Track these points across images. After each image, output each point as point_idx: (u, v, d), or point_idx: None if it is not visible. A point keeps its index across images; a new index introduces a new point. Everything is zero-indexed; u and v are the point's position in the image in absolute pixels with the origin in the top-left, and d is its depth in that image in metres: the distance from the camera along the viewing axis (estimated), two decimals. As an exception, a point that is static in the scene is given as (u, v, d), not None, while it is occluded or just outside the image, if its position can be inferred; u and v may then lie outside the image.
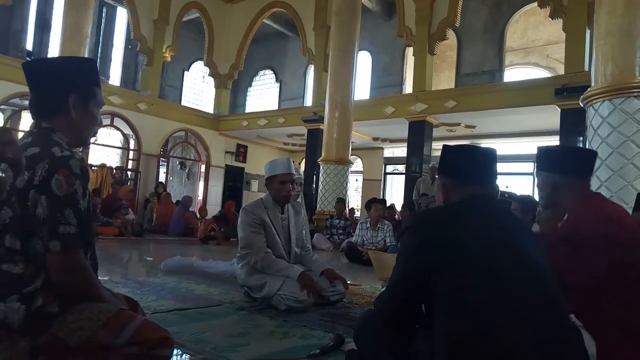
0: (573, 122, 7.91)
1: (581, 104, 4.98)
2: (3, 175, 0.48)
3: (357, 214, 12.37)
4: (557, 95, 8.04)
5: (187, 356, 1.86)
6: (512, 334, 1.09)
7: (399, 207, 10.03)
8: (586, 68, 7.87)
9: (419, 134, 10.09)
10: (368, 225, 6.20)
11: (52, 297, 1.14)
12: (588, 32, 7.99)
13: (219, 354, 1.84)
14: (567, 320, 1.17)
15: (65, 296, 1.16)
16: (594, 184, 4.47)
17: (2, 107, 10.29)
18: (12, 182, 0.96)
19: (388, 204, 9.63)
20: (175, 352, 1.59)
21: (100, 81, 1.40)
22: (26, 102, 10.11)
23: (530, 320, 1.11)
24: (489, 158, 1.43)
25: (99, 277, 1.32)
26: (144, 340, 1.15)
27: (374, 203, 6.32)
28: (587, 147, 4.79)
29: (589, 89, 4.72)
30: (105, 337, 1.13)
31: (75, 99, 1.28)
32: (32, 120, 1.30)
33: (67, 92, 1.27)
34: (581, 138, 7.85)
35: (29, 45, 12.33)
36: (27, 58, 11.12)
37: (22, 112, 11.31)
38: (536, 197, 1.99)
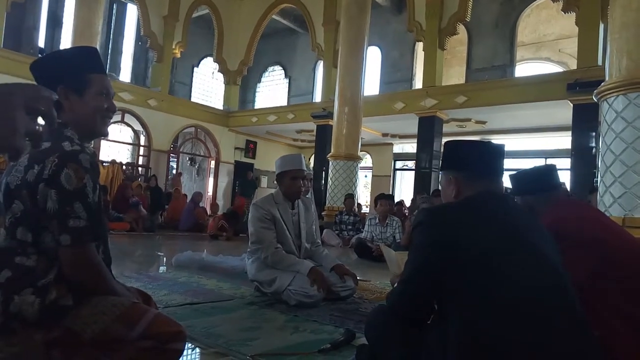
0: (586, 117, 7.83)
1: (595, 99, 4.91)
2: (40, 128, 0.53)
3: (366, 209, 12.35)
4: (569, 90, 7.95)
5: (199, 350, 1.87)
6: (525, 331, 1.08)
7: (408, 203, 9.99)
8: (599, 62, 7.77)
9: (429, 130, 10.04)
10: (377, 220, 6.19)
11: (65, 290, 1.15)
12: (601, 26, 7.88)
13: (230, 347, 1.84)
14: (581, 315, 1.16)
15: (79, 289, 1.17)
16: (608, 179, 4.41)
17: (15, 103, 10.41)
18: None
19: (397, 199, 9.61)
20: (187, 345, 1.60)
21: (101, 68, 1.33)
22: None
23: (543, 316, 1.10)
24: (499, 154, 1.42)
25: (112, 272, 1.33)
26: (158, 334, 1.15)
27: (381, 199, 6.31)
28: (600, 142, 4.72)
29: (603, 84, 4.66)
30: (119, 330, 1.13)
31: (63, 90, 1.24)
32: None
33: (54, 85, 1.23)
34: (594, 133, 7.77)
35: (41, 42, 12.46)
36: (39, 55, 11.22)
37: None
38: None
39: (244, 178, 12.98)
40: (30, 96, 0.52)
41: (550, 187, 1.77)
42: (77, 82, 1.26)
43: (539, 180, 1.79)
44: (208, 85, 16.22)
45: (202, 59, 15.81)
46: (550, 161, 12.14)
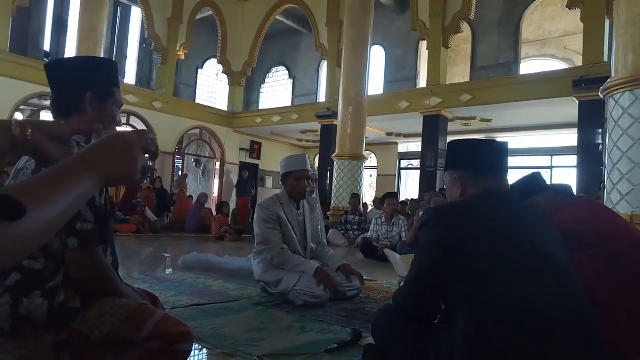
0: (592, 114, 7.78)
1: (601, 96, 4.88)
2: (151, 164, 0.70)
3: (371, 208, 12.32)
4: (575, 87, 7.90)
5: (207, 351, 1.88)
6: (532, 332, 1.07)
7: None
8: (605, 59, 7.72)
9: (433, 129, 10.01)
10: (383, 220, 6.18)
11: (73, 292, 1.16)
12: (607, 22, 7.82)
13: (237, 348, 1.85)
14: (588, 314, 1.15)
15: (86, 292, 1.18)
16: (615, 176, 4.38)
17: (22, 107, 10.49)
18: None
19: (402, 199, 9.58)
20: (194, 346, 1.61)
21: (120, 83, 1.40)
22: (45, 102, 10.32)
23: (550, 317, 1.09)
24: (503, 152, 1.43)
25: (119, 274, 1.33)
26: (165, 335, 1.16)
27: (388, 197, 6.30)
28: (607, 139, 4.69)
29: (609, 80, 4.63)
30: (126, 332, 1.14)
31: (91, 95, 1.27)
32: (53, 120, 1.32)
33: (83, 89, 1.26)
34: (600, 130, 7.71)
35: (47, 46, 12.54)
36: (45, 59, 11.30)
37: (41, 112, 11.52)
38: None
39: (240, 178, 12.99)
40: (144, 139, 0.66)
41: (536, 190, 1.80)
42: (104, 91, 1.31)
43: (526, 186, 1.82)
44: (212, 86, 16.26)
45: (206, 60, 15.85)
46: (556, 158, 12.12)
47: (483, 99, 9.28)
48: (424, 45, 11.40)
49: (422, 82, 11.96)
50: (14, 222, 0.44)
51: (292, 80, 16.01)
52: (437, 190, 8.52)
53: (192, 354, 1.55)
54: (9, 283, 1.13)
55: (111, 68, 1.38)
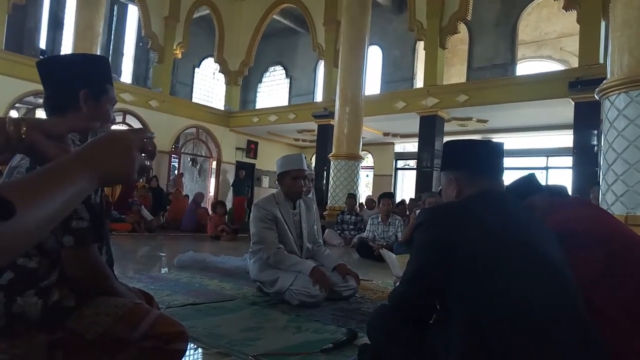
0: (587, 115, 7.83)
1: (596, 97, 4.91)
2: (148, 163, 0.69)
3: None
4: (571, 88, 7.94)
5: (202, 350, 1.87)
6: (529, 333, 1.08)
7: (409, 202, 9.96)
8: (601, 60, 7.75)
9: (430, 129, 10.03)
10: (379, 220, 6.19)
11: (68, 291, 1.15)
12: (603, 24, 7.86)
13: (233, 348, 1.85)
14: (583, 314, 1.15)
15: (81, 290, 1.17)
16: (610, 177, 4.40)
17: (17, 105, 10.44)
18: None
19: (399, 199, 9.60)
20: (190, 346, 1.60)
21: (112, 79, 1.39)
22: (40, 100, 10.28)
23: (546, 318, 1.10)
24: (498, 152, 1.43)
25: (114, 273, 1.33)
26: (160, 334, 1.15)
27: (383, 197, 6.33)
28: (602, 140, 4.71)
29: (604, 82, 4.65)
30: (121, 331, 1.13)
31: (86, 93, 1.26)
32: (46, 118, 1.31)
33: (77, 86, 1.26)
34: (596, 131, 7.76)
35: (42, 44, 12.49)
36: (41, 56, 11.24)
37: (36, 110, 11.46)
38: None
39: (236, 177, 12.97)
40: (141, 138, 0.65)
41: (531, 191, 1.80)
42: (99, 89, 1.30)
43: (522, 188, 1.82)
44: (209, 85, 16.23)
45: (203, 59, 15.81)
46: (552, 159, 12.17)
47: (479, 99, 9.30)
48: (421, 45, 11.42)
49: (419, 83, 11.98)
50: (5, 221, 0.43)
51: (289, 80, 16.00)
52: (435, 190, 8.55)
53: (187, 353, 1.55)
54: (2, 282, 1.12)
55: (104, 65, 1.37)
